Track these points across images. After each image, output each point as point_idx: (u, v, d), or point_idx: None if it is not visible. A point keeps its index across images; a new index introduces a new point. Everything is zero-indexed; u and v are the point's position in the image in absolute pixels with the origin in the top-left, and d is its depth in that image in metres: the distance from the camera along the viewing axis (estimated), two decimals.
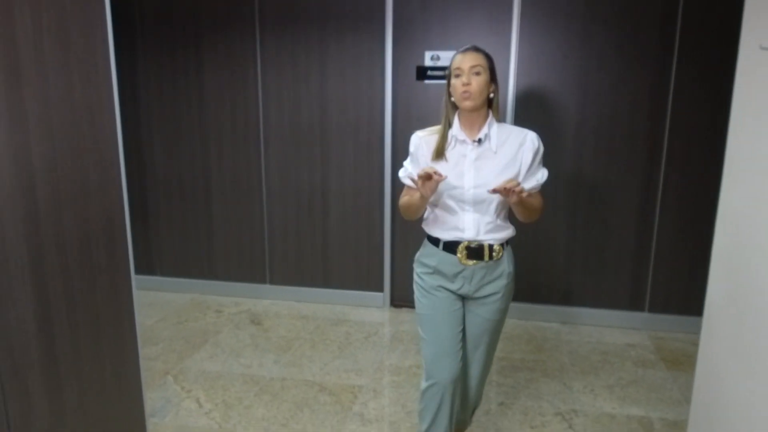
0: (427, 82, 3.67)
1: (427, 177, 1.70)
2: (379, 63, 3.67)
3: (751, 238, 1.51)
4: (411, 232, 3.74)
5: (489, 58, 1.87)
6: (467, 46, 1.89)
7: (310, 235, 4.00)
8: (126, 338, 1.99)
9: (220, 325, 3.66)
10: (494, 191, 1.72)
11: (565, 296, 3.70)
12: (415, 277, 2.06)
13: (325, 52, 3.73)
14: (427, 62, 3.65)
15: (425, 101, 3.68)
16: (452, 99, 1.89)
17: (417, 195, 1.84)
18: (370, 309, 3.93)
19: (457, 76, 1.84)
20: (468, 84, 1.80)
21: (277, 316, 3.81)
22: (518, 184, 1.72)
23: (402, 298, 3.94)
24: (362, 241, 3.92)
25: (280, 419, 2.58)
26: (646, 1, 3.27)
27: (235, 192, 4.03)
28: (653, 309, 3.60)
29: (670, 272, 3.54)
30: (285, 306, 3.98)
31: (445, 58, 3.60)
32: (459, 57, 1.86)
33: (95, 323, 1.83)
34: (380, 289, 3.95)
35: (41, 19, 1.55)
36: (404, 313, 3.86)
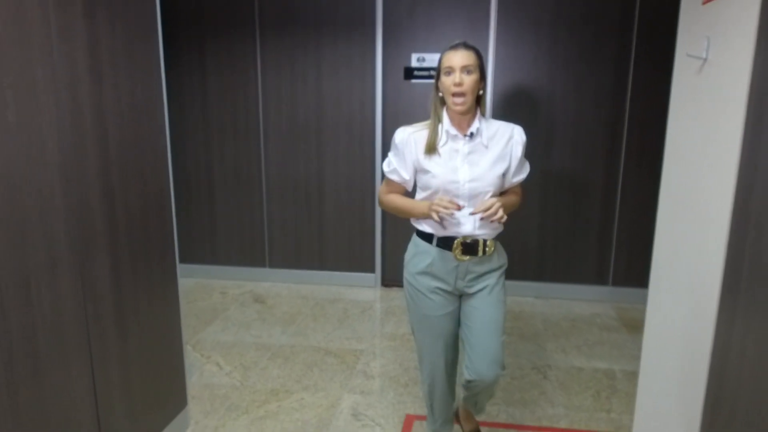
0: (413, 81, 4.06)
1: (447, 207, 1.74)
2: (369, 64, 4.04)
3: (685, 216, 1.93)
4: (400, 218, 4.11)
5: (479, 56, 1.84)
6: (457, 42, 1.84)
7: (306, 221, 4.35)
8: (171, 301, 2.33)
9: (226, 304, 3.98)
10: (474, 214, 1.79)
11: (538, 273, 4.13)
12: (408, 277, 2.01)
13: (320, 53, 4.08)
14: (414, 63, 4.04)
15: (412, 99, 4.06)
16: (440, 94, 1.87)
17: (420, 209, 1.88)
18: (363, 288, 4.30)
19: (448, 74, 1.80)
20: (460, 84, 1.78)
21: (278, 295, 4.16)
22: (494, 204, 1.76)
23: (392, 278, 4.32)
24: (355, 226, 4.29)
25: (294, 377, 2.94)
26: (606, 10, 3.72)
27: (237, 183, 4.36)
28: (616, 283, 4.07)
29: (630, 250, 4.01)
30: (284, 287, 4.33)
31: (429, 59, 3.99)
32: (450, 54, 1.81)
33: (151, 280, 2.17)
34: (372, 270, 4.33)
35: (114, 28, 1.88)
36: (394, 292, 4.24)
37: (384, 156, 4.10)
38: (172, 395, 2.36)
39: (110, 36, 1.86)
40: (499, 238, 2.00)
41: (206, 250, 4.49)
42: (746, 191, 1.46)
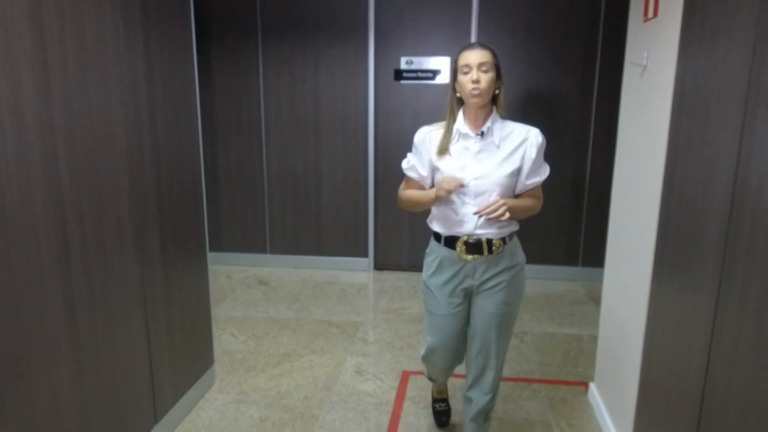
0: (402, 82, 4.46)
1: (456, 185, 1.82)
2: (362, 66, 4.44)
3: (630, 198, 2.35)
4: (391, 207, 4.52)
5: (495, 55, 1.87)
6: (473, 43, 1.91)
7: (305, 210, 4.73)
8: (202, 273, 2.70)
9: (233, 286, 4.35)
10: (477, 213, 1.82)
11: None
12: (424, 277, 2.10)
13: (318, 57, 4.47)
14: (403, 66, 4.44)
15: (401, 98, 4.47)
16: (458, 95, 1.91)
17: (429, 195, 1.92)
18: (357, 272, 4.70)
19: (465, 72, 1.83)
20: (477, 81, 1.80)
21: (280, 278, 4.54)
22: (497, 203, 1.79)
23: (384, 262, 4.73)
24: (350, 214, 4.68)
25: (302, 344, 3.33)
26: (574, 19, 4.16)
27: (240, 175, 4.72)
28: (585, 263, 4.53)
29: (597, 233, 4.47)
30: (285, 271, 4.71)
31: (417, 62, 4.40)
32: (467, 53, 1.84)
33: (188, 255, 2.54)
34: (365, 254, 4.73)
35: (161, 40, 2.26)
36: (386, 274, 4.64)
37: (376, 149, 4.52)
38: (202, 354, 2.74)
39: (159, 46, 2.24)
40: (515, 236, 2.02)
41: (211, 238, 4.84)
42: (671, 166, 1.89)
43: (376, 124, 4.52)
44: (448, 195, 1.84)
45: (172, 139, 2.36)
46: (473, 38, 4.27)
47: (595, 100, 4.26)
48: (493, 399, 2.11)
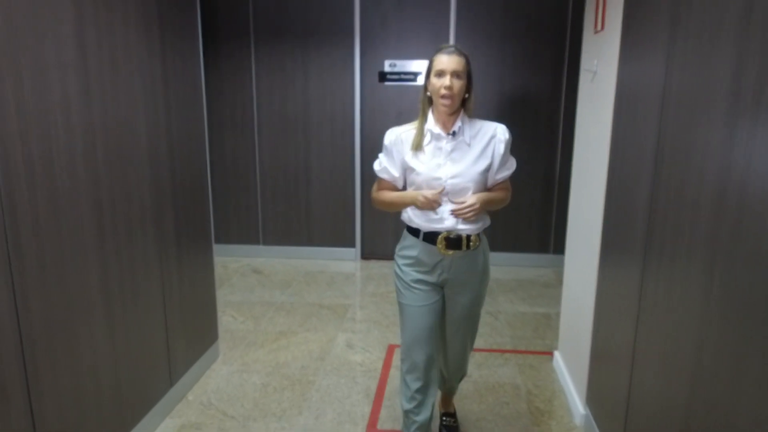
0: (386, 83, 4.79)
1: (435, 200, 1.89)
2: (349, 68, 4.76)
3: (585, 188, 2.71)
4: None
5: (468, 62, 1.93)
6: (450, 47, 1.93)
7: (295, 203, 5.04)
8: (207, 257, 3.01)
9: (229, 274, 4.65)
10: (453, 213, 1.92)
11: (492, 245, 4.88)
12: (396, 269, 2.11)
13: (307, 60, 4.78)
14: (387, 68, 4.77)
15: (385, 98, 4.80)
16: (428, 94, 1.96)
17: (405, 200, 1.97)
18: (345, 261, 5.02)
19: (439, 76, 1.89)
20: (450, 87, 1.87)
21: (273, 267, 4.84)
22: (469, 203, 1.90)
23: (370, 252, 5.05)
24: (338, 207, 5.00)
25: (296, 323, 3.65)
26: (543, 26, 4.53)
27: (234, 170, 5.01)
28: (556, 251, 4.90)
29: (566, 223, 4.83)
30: (277, 261, 5.01)
31: (400, 65, 4.74)
32: (443, 58, 1.89)
33: (196, 240, 2.84)
34: (353, 245, 5.05)
35: (174, 48, 2.56)
36: (372, 263, 4.97)
37: (362, 146, 4.84)
38: (208, 329, 3.04)
39: (173, 55, 2.54)
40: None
41: None
42: (613, 159, 2.25)
43: (362, 123, 4.85)
44: (425, 206, 1.90)
45: (183, 136, 2.67)
46: (452, 42, 4.62)
47: (563, 101, 4.63)
48: (461, 374, 2.36)
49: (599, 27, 2.49)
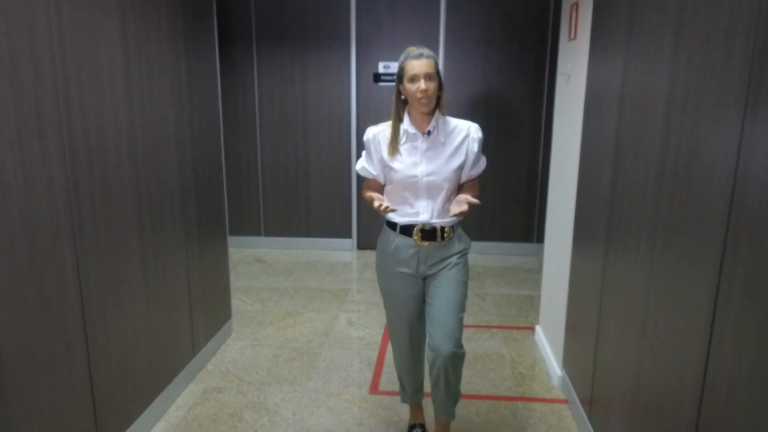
0: (380, 84, 5.12)
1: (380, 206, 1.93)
2: (345, 70, 5.08)
3: (560, 181, 3.05)
4: None
5: (436, 63, 1.99)
6: (419, 52, 1.97)
7: (294, 197, 5.35)
8: (222, 243, 3.32)
9: (234, 263, 4.95)
10: (454, 215, 1.94)
11: (479, 234, 5.27)
12: (377, 260, 2.25)
13: (306, 62, 5.09)
14: (381, 70, 5.10)
15: (380, 98, 5.13)
16: (402, 97, 2.04)
17: (370, 201, 2.03)
18: (342, 251, 5.34)
19: (413, 80, 1.95)
20: (426, 90, 1.94)
21: (275, 257, 5.15)
22: (466, 202, 1.93)
23: (366, 242, 5.38)
24: (335, 200, 5.32)
25: (300, 305, 3.97)
26: (527, 32, 4.88)
27: (237, 166, 5.32)
28: (539, 240, 5.25)
29: None
30: (278, 251, 5.32)
31: (393, 66, 5.05)
32: (414, 63, 1.95)
33: (214, 227, 3.15)
34: (349, 236, 5.38)
35: (197, 54, 2.87)
36: (368, 252, 5.29)
37: (357, 143, 5.16)
38: (223, 307, 3.35)
39: (195, 61, 2.85)
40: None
41: None
42: (583, 153, 2.59)
43: (357, 121, 5.17)
44: (376, 206, 1.95)
45: (203, 133, 2.98)
46: (441, 46, 4.95)
47: (545, 101, 4.99)
48: (458, 360, 2.15)
49: (572, 35, 2.84)
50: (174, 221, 2.66)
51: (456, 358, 2.12)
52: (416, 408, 2.50)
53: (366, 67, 5.10)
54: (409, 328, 2.23)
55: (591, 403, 2.39)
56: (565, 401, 2.74)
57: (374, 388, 2.86)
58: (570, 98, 2.87)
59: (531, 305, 4.02)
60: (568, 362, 2.79)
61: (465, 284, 2.16)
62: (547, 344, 3.20)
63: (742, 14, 1.27)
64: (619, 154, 2.09)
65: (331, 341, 3.38)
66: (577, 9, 2.75)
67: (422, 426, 2.48)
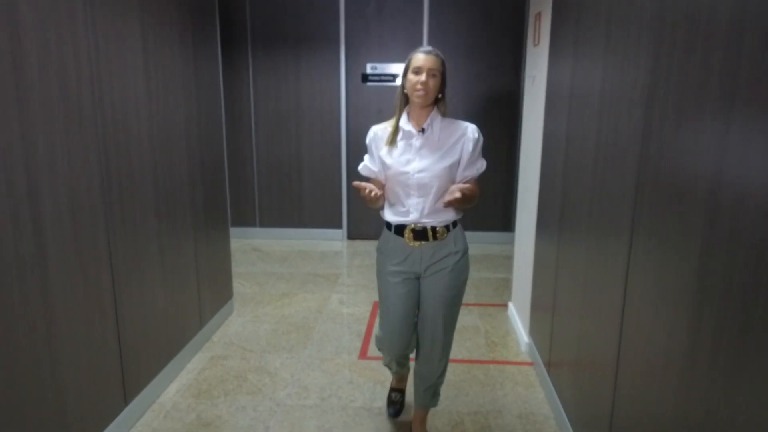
0: (368, 84, 5.47)
1: (364, 191, 1.92)
2: (335, 70, 5.43)
3: (527, 174, 3.42)
4: None
5: (444, 64, 2.02)
6: (428, 49, 2.01)
7: (288, 189, 5.69)
8: (224, 229, 3.65)
9: (231, 252, 5.27)
10: (445, 204, 1.91)
11: (462, 225, 5.62)
12: (376, 261, 2.26)
13: (299, 63, 5.43)
14: (369, 71, 5.45)
15: (368, 97, 5.48)
16: (405, 91, 2.05)
17: (363, 193, 1.97)
18: (334, 241, 5.69)
19: (416, 73, 1.97)
20: (425, 83, 1.96)
21: (270, 246, 5.49)
22: (455, 195, 1.88)
23: (356, 232, 5.73)
24: (326, 192, 5.67)
25: (296, 287, 4.32)
26: (504, 38, 5.25)
27: (233, 161, 5.65)
28: None
29: None
30: (273, 241, 5.66)
31: (381, 68, 5.42)
32: (421, 56, 1.98)
33: (217, 214, 3.49)
34: (340, 226, 5.73)
35: (204, 56, 3.20)
36: (358, 242, 5.65)
37: (347, 139, 5.52)
38: (225, 287, 3.69)
39: (201, 61, 3.19)
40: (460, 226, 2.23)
41: None
42: (544, 147, 2.96)
43: (347, 119, 5.52)
44: (366, 196, 1.97)
45: (207, 127, 3.32)
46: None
47: (521, 100, 5.35)
48: (441, 375, 2.28)
49: (536, 41, 3.21)
50: (184, 207, 3.00)
51: (439, 377, 2.27)
52: (399, 377, 2.62)
53: (355, 68, 5.45)
54: (397, 331, 2.19)
55: (550, 365, 2.76)
56: (531, 363, 3.11)
57: (363, 354, 3.21)
58: (535, 98, 3.23)
59: (506, 287, 4.39)
60: (533, 331, 3.17)
61: (459, 296, 2.17)
62: (518, 317, 3.57)
63: (643, 27, 1.64)
64: (568, 146, 2.46)
65: (324, 317, 3.74)
66: (539, 18, 3.12)
67: (401, 391, 2.64)
